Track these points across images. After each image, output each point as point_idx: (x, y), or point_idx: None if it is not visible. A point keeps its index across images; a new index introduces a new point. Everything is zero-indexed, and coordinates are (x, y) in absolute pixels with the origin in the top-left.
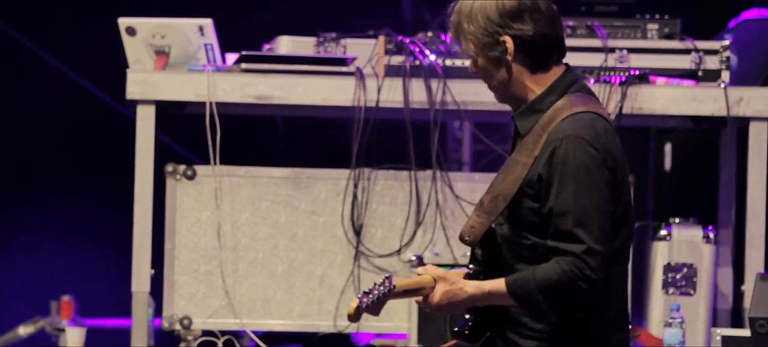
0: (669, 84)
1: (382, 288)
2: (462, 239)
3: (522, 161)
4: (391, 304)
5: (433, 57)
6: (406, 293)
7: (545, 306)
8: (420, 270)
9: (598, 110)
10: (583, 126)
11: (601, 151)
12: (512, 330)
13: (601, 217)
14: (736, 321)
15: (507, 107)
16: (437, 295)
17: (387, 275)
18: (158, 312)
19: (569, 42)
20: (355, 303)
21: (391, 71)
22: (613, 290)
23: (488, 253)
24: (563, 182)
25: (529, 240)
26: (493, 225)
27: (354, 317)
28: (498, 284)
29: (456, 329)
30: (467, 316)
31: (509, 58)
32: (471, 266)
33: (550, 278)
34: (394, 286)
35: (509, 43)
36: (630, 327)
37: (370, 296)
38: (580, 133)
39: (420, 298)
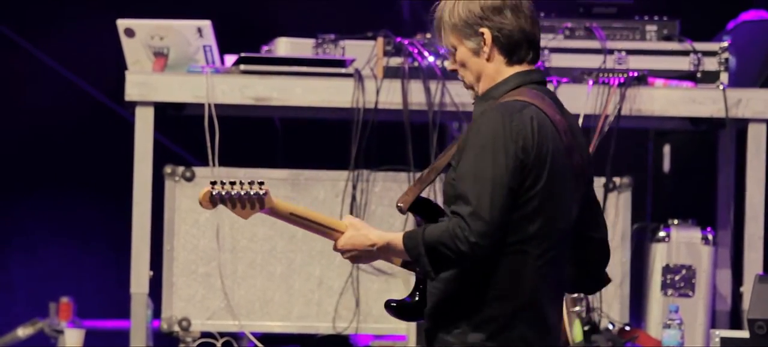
0: (668, 85)
1: (251, 187)
2: (397, 206)
3: (459, 139)
4: None
5: (431, 59)
6: (296, 217)
7: (426, 260)
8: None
9: (544, 106)
10: (509, 106)
11: (516, 127)
12: (436, 316)
13: (494, 187)
14: (735, 323)
15: None
16: (344, 239)
17: (260, 180)
18: (157, 313)
19: (568, 43)
20: (206, 189)
21: (390, 73)
22: (511, 282)
23: (425, 222)
24: (469, 148)
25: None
26: (425, 195)
27: (206, 204)
28: (397, 236)
29: (391, 301)
30: (413, 292)
31: (486, 49)
32: None
33: (434, 234)
34: (267, 192)
35: (487, 34)
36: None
37: (229, 188)
38: (500, 108)
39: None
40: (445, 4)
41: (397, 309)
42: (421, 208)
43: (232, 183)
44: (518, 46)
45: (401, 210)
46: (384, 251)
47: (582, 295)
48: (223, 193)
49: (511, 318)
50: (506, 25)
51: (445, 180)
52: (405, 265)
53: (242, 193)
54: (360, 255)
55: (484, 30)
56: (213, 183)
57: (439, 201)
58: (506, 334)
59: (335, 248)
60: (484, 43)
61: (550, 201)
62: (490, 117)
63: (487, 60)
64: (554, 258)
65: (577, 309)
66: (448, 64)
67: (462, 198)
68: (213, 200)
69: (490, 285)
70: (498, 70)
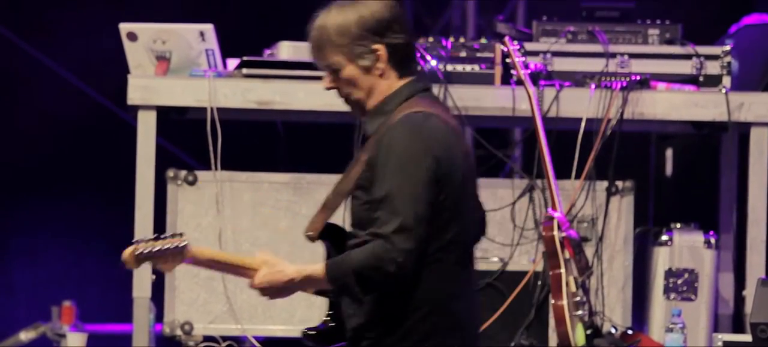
0: (670, 89)
1: (171, 242)
2: (306, 234)
3: (361, 159)
4: None
5: (434, 62)
6: (214, 263)
7: (356, 288)
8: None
9: (439, 113)
10: (413, 119)
11: (425, 140)
12: (358, 337)
13: (415, 204)
14: (738, 327)
15: (509, 113)
16: (259, 277)
17: (180, 232)
18: (159, 317)
19: (570, 47)
20: (130, 249)
21: None
22: (435, 291)
23: (336, 249)
24: (384, 169)
25: (362, 237)
26: (333, 221)
27: (131, 263)
28: (318, 268)
29: (309, 330)
30: (327, 318)
31: (381, 65)
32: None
33: (360, 260)
34: (187, 245)
35: (382, 51)
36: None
37: (151, 246)
38: (407, 124)
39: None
40: (328, 23)
41: (317, 336)
42: (329, 234)
43: (156, 239)
44: (409, 59)
45: (311, 239)
46: (304, 284)
47: (584, 299)
48: (146, 251)
49: (433, 326)
50: (398, 40)
51: (353, 203)
52: (319, 292)
53: (164, 248)
54: (279, 292)
55: (378, 47)
56: (136, 242)
57: (347, 223)
58: (431, 342)
59: (252, 287)
60: (378, 60)
61: (461, 207)
62: (399, 134)
63: (381, 76)
64: (466, 259)
65: (580, 312)
66: (325, 83)
67: (383, 219)
68: (138, 259)
69: (412, 297)
70: (390, 85)
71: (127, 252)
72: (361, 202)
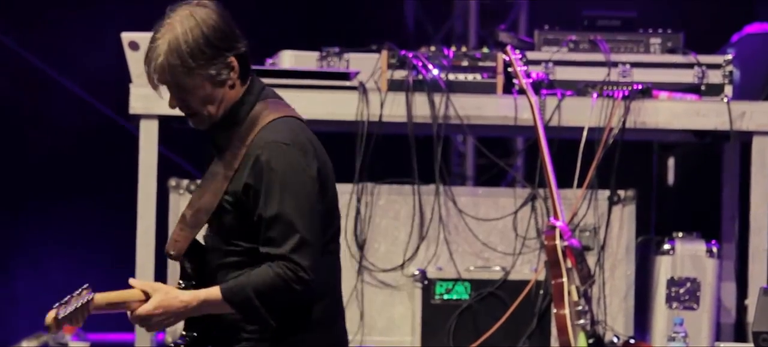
0: (672, 98)
1: (80, 299)
2: (167, 254)
3: (222, 173)
4: (395, 318)
5: (436, 71)
6: (110, 306)
7: (263, 310)
8: (132, 281)
9: (291, 113)
10: (282, 131)
11: (303, 151)
12: (230, 337)
13: (310, 216)
14: (740, 336)
15: (511, 122)
16: (151, 305)
17: (86, 285)
18: None
19: (572, 56)
20: (52, 314)
21: (394, 86)
22: (328, 280)
23: (197, 266)
24: (270, 188)
25: (240, 246)
26: (197, 238)
27: (53, 328)
28: (213, 291)
29: (173, 346)
30: (184, 332)
31: (234, 76)
32: (181, 281)
33: (264, 282)
34: (92, 298)
35: (234, 62)
36: None
37: (68, 307)
38: (280, 138)
39: (128, 312)
40: (176, 47)
41: None
42: (191, 253)
43: (68, 300)
44: (248, 64)
45: (174, 258)
46: (198, 309)
47: (586, 308)
48: (64, 314)
49: (333, 315)
50: (241, 49)
51: (226, 216)
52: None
53: (78, 306)
54: (170, 317)
55: (232, 59)
56: (56, 306)
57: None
58: (332, 331)
59: (136, 318)
60: (233, 72)
61: (334, 199)
62: (275, 150)
63: (231, 87)
64: (338, 251)
65: (582, 321)
66: (171, 103)
67: (279, 241)
68: (58, 324)
69: (311, 290)
70: (237, 93)
71: (50, 318)
72: (230, 217)
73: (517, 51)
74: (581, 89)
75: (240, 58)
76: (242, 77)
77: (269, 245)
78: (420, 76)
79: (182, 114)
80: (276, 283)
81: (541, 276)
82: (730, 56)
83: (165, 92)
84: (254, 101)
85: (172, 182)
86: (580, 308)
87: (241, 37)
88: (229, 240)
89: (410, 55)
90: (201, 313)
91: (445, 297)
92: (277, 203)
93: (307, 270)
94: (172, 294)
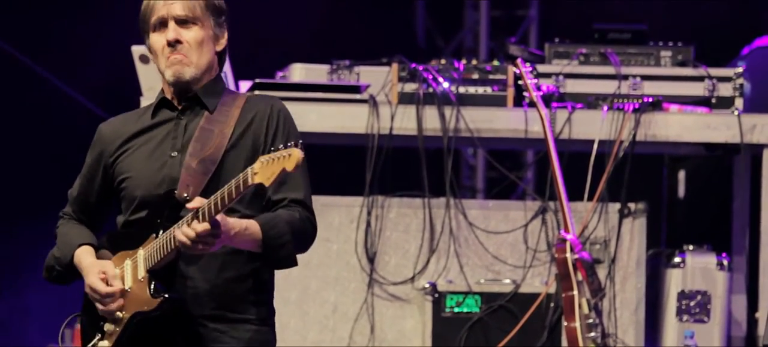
0: (682, 111)
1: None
2: (181, 197)
3: (217, 130)
4: (406, 331)
5: (446, 84)
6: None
7: (291, 246)
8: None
9: None
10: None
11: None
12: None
13: (307, 174)
14: None
15: (521, 135)
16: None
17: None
18: None
19: (583, 69)
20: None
21: (405, 99)
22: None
23: (169, 215)
24: (290, 135)
25: (238, 213)
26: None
27: None
28: (251, 222)
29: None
30: (161, 293)
31: (223, 42)
32: (160, 232)
33: (294, 220)
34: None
35: (226, 30)
36: None
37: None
38: (278, 99)
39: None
40: None
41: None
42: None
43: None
44: (225, 54)
45: (186, 200)
46: (239, 236)
47: (597, 321)
48: None
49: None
50: (225, 18)
51: (230, 167)
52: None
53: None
54: (218, 238)
55: (226, 25)
56: None
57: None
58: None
59: (187, 230)
60: (224, 35)
61: None
62: (284, 107)
63: (218, 53)
64: None
65: (592, 334)
66: (173, 33)
67: (294, 185)
68: None
69: (270, 278)
70: (216, 68)
71: None
72: (234, 167)
73: (528, 64)
74: (592, 101)
75: (227, 34)
76: (220, 59)
77: (285, 190)
78: (430, 90)
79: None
80: (304, 224)
81: (552, 289)
82: (740, 69)
83: (161, 36)
84: (224, 84)
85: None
86: (590, 321)
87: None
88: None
89: (420, 68)
90: (237, 243)
91: (456, 310)
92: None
93: (315, 222)
94: (225, 220)
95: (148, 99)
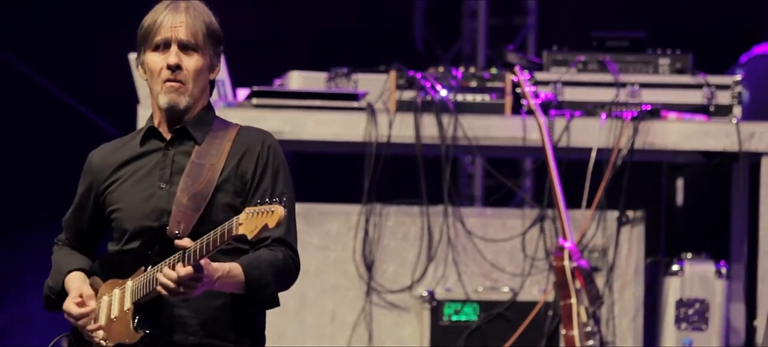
0: (681, 119)
1: None
2: (172, 233)
3: (208, 164)
4: (404, 339)
5: (444, 92)
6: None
7: (273, 286)
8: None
9: None
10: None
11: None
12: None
13: (294, 212)
14: None
15: (520, 142)
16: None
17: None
18: None
19: (581, 77)
20: None
21: (403, 106)
22: None
23: (160, 250)
24: (278, 171)
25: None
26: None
27: None
28: (233, 265)
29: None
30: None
31: (217, 71)
32: (149, 267)
33: (277, 260)
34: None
35: (223, 61)
36: None
37: None
38: (269, 133)
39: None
40: (199, 4)
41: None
42: (168, 246)
43: None
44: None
45: (177, 237)
46: (223, 280)
47: (595, 329)
48: None
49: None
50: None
51: (220, 203)
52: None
53: None
54: (202, 284)
55: (221, 54)
56: None
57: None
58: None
59: (168, 274)
60: (219, 64)
61: None
62: (275, 142)
63: (211, 83)
64: None
65: (591, 342)
66: (175, 57)
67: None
68: None
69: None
70: (207, 97)
71: None
72: (225, 203)
73: (526, 72)
74: (590, 109)
75: (220, 57)
76: (211, 87)
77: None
78: (428, 97)
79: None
80: (287, 264)
81: (550, 297)
82: (738, 77)
83: (161, 57)
84: (214, 114)
85: None
86: (589, 329)
87: None
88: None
89: (419, 76)
90: (220, 286)
91: (454, 318)
92: (283, 185)
93: (298, 260)
94: (212, 266)
95: (145, 107)
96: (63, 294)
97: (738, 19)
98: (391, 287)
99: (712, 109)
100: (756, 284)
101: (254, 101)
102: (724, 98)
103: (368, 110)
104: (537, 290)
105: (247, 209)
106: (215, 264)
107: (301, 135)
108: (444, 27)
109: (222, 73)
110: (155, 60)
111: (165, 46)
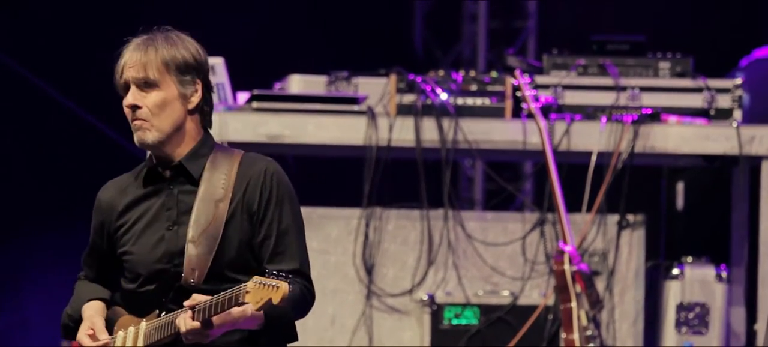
0: (681, 123)
1: None
2: (187, 283)
3: (214, 202)
4: (404, 343)
5: (444, 96)
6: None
7: (291, 317)
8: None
9: None
10: (269, 159)
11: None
12: None
13: (304, 236)
14: None
15: (520, 146)
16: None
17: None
18: None
19: (581, 81)
20: None
21: (403, 110)
22: None
23: (173, 296)
24: (283, 200)
25: (251, 265)
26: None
27: None
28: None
29: None
30: None
31: (195, 99)
32: (162, 312)
33: (294, 295)
34: None
35: (200, 87)
36: None
37: None
38: (273, 161)
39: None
40: (167, 37)
41: None
42: (182, 294)
43: None
44: (210, 109)
45: (192, 286)
46: (246, 320)
47: (596, 333)
48: None
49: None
50: (209, 87)
51: (233, 238)
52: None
53: None
54: (225, 327)
55: (199, 81)
56: None
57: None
58: None
59: (195, 324)
60: (195, 93)
61: None
62: (278, 169)
63: (190, 112)
64: None
65: (591, 346)
66: (130, 97)
67: (291, 255)
68: None
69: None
70: (198, 128)
71: None
72: (236, 238)
73: (526, 75)
74: (590, 113)
75: (207, 90)
76: (202, 116)
77: (280, 260)
78: (429, 101)
79: None
80: (304, 295)
81: (551, 301)
82: (739, 81)
83: (125, 99)
84: (212, 146)
85: None
86: (589, 333)
87: (211, 87)
88: (223, 274)
89: (419, 79)
90: (239, 326)
91: (454, 322)
92: (290, 215)
93: (313, 289)
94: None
95: None
96: (80, 322)
97: (738, 22)
98: (391, 290)
99: (712, 112)
100: (756, 287)
101: (254, 104)
102: (724, 101)
103: (368, 114)
104: (537, 294)
105: (254, 279)
106: (235, 310)
107: (301, 139)
108: (444, 30)
109: (222, 77)
110: (124, 102)
111: (125, 88)
